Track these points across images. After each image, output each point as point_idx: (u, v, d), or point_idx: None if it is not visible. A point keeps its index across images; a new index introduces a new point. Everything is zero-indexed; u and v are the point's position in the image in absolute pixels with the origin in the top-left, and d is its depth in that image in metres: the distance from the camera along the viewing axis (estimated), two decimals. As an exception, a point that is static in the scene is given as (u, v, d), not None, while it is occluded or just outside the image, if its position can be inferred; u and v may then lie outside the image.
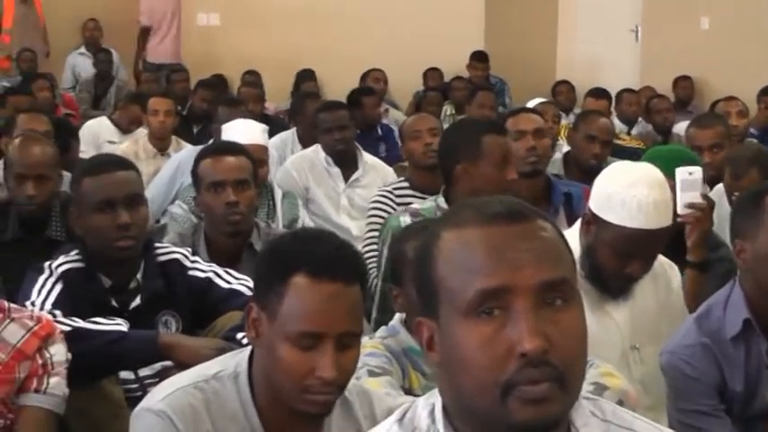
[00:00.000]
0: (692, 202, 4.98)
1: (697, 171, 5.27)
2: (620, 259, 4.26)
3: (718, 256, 5.28)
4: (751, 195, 4.12)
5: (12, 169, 5.89)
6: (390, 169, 8.14)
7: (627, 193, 4.19)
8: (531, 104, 8.95)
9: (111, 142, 10.25)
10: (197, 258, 4.81)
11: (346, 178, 8.02)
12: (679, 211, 4.89)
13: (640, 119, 12.65)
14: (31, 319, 3.96)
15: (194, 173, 5.55)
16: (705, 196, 5.21)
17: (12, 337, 3.86)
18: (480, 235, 2.04)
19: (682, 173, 5.23)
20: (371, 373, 3.74)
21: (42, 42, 16.41)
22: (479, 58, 14.84)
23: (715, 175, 6.51)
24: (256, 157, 5.88)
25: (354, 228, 7.54)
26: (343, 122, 8.15)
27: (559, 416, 2.05)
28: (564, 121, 10.54)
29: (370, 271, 5.52)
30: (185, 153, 7.87)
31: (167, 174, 7.22)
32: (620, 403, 3.58)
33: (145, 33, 16.19)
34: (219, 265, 4.88)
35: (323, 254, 3.01)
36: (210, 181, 5.37)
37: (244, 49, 15.73)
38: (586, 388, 3.63)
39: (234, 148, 5.68)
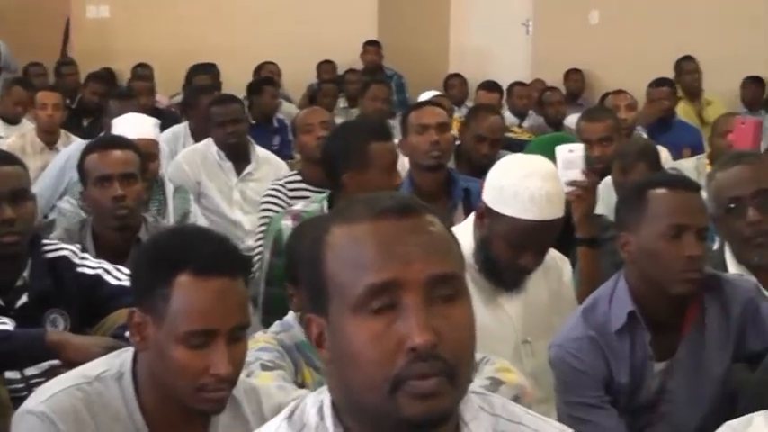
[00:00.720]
0: (573, 180, 5.05)
1: (578, 149, 5.41)
2: (513, 251, 4.29)
3: (608, 236, 5.30)
4: (634, 188, 4.17)
5: None
6: (283, 163, 8.15)
7: (520, 185, 4.22)
8: (423, 97, 9.02)
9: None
10: (86, 255, 4.76)
11: (239, 172, 7.99)
12: None
13: (531, 111, 12.79)
14: None
15: (80, 167, 5.47)
16: (586, 173, 5.26)
17: None
18: (370, 230, 2.05)
19: (562, 150, 5.36)
20: (264, 367, 3.72)
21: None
22: (372, 43, 14.94)
23: (605, 168, 6.55)
24: (146, 152, 5.89)
25: (247, 222, 7.53)
26: (236, 116, 8.14)
27: (449, 410, 2.05)
28: (456, 114, 10.54)
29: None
30: (74, 147, 7.78)
31: (56, 168, 7.18)
32: (516, 398, 3.65)
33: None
34: (107, 260, 4.83)
35: (205, 250, 2.99)
36: (97, 175, 5.31)
37: (135, 42, 15.65)
38: (482, 383, 3.72)
39: (121, 142, 5.63)
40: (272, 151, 8.41)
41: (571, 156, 5.33)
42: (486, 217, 4.35)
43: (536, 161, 4.62)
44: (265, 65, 14.29)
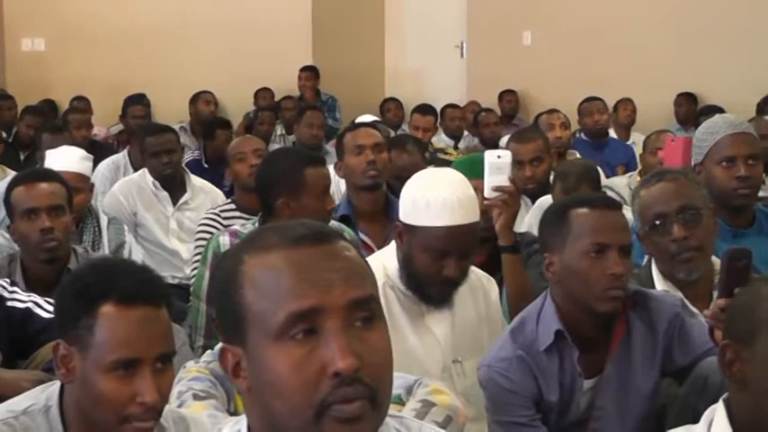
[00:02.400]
0: (499, 186, 5.02)
1: (506, 155, 5.36)
2: (434, 261, 4.34)
3: (535, 249, 5.19)
4: (556, 209, 4.20)
5: None
6: (219, 192, 8.11)
7: (430, 194, 4.31)
8: (361, 120, 9.03)
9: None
10: (15, 288, 4.74)
11: (175, 201, 7.98)
12: (486, 194, 4.98)
13: (466, 133, 12.80)
14: None
15: (7, 201, 5.51)
16: (512, 180, 5.24)
17: None
18: (287, 258, 2.05)
19: (490, 156, 5.32)
20: (196, 397, 3.71)
21: None
22: (308, 69, 14.90)
23: (537, 188, 6.58)
24: (72, 185, 5.86)
25: (184, 251, 7.51)
26: (171, 146, 8.13)
27: None
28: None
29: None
30: (6, 183, 7.73)
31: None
32: (449, 418, 3.66)
33: None
34: (37, 292, 4.82)
35: (128, 280, 3.01)
36: (24, 208, 5.34)
37: (71, 74, 15.63)
38: (414, 405, 3.73)
39: (47, 175, 5.67)
40: (225, 192, 8.34)
41: (499, 161, 5.30)
42: (405, 233, 4.41)
43: (444, 171, 4.77)
44: (201, 94, 14.27)
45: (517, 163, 6.43)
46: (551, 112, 9.67)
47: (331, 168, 6.46)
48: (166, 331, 3.03)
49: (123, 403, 2.93)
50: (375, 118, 9.96)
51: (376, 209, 6.15)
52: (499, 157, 5.32)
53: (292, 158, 5.70)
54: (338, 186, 7.00)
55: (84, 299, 2.97)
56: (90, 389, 2.96)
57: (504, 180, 5.13)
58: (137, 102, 14.16)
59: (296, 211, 5.28)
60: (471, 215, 4.37)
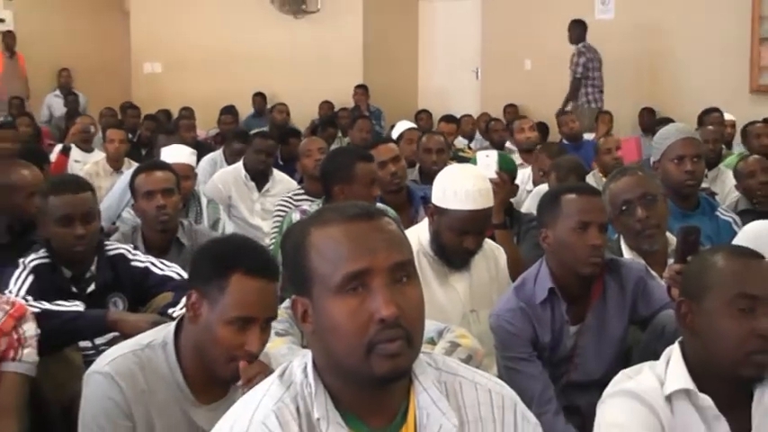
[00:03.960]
0: (489, 178, 4.97)
1: (492, 154, 5.78)
2: (458, 236, 4.46)
3: (533, 225, 5.41)
4: (551, 194, 4.19)
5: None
6: (293, 182, 8.12)
7: (456, 185, 4.44)
8: (399, 126, 9.03)
9: (77, 162, 10.14)
10: (137, 252, 4.81)
11: (259, 189, 8.00)
12: None
13: (479, 135, 12.80)
14: (7, 303, 3.90)
15: (131, 185, 5.55)
16: (499, 173, 5.51)
17: None
18: (343, 230, 2.07)
19: (480, 156, 5.81)
20: (278, 334, 3.72)
21: (24, 88, 16.38)
22: (360, 87, 14.88)
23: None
24: (181, 174, 5.94)
25: (265, 226, 7.51)
26: (271, 150, 8.23)
27: (408, 367, 2.08)
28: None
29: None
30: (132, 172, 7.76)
31: (120, 187, 7.12)
32: (470, 357, 3.68)
33: None
34: (153, 255, 4.89)
35: (255, 257, 3.04)
36: (144, 190, 5.40)
37: (181, 90, 15.69)
38: (443, 345, 3.79)
39: (161, 165, 5.74)
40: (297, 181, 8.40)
41: (487, 160, 5.64)
42: (435, 214, 4.52)
43: (468, 167, 5.00)
44: (277, 105, 14.30)
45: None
46: (522, 118, 9.87)
47: None
48: (275, 301, 3.06)
49: (234, 348, 2.96)
50: (411, 125, 9.90)
51: (402, 202, 6.22)
52: (487, 156, 5.72)
53: (346, 156, 5.71)
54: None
55: (219, 264, 2.99)
56: (210, 333, 2.98)
57: (491, 173, 5.31)
58: (228, 112, 14.24)
59: (348, 196, 5.30)
60: (487, 202, 4.48)
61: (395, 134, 8.94)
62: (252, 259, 3.01)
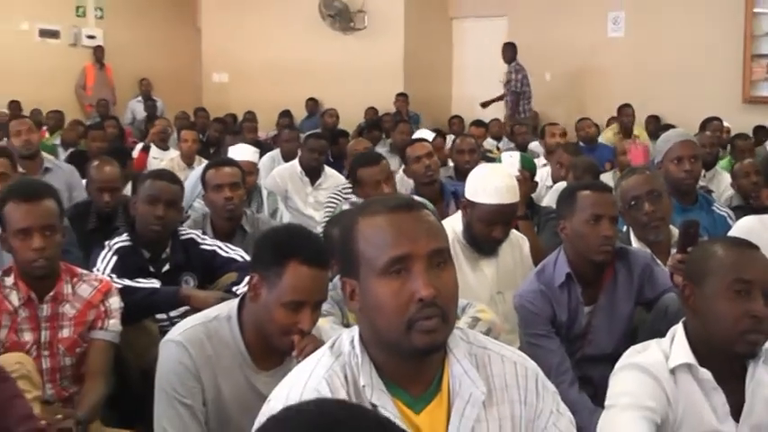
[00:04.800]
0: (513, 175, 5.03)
1: (515, 155, 5.86)
2: (487, 227, 4.47)
3: (551, 217, 5.45)
4: (569, 190, 4.18)
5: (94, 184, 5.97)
6: (342, 177, 8.10)
7: (487, 182, 4.46)
8: (417, 134, 9.00)
9: (155, 158, 10.19)
10: (206, 237, 4.88)
11: (313, 183, 7.99)
12: None
13: (505, 138, 12.75)
14: (95, 280, 3.96)
15: (203, 179, 5.57)
16: (521, 171, 5.53)
17: (84, 293, 3.86)
18: (388, 220, 2.06)
19: (505, 156, 5.93)
20: (322, 314, 3.72)
21: (111, 95, 16.58)
22: (401, 95, 14.82)
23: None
24: (246, 170, 5.97)
25: (317, 216, 7.47)
26: (324, 150, 8.23)
27: (444, 341, 2.08)
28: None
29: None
30: (203, 167, 7.80)
31: (192, 180, 7.16)
32: (489, 330, 3.67)
33: None
34: (220, 240, 4.93)
35: (310, 247, 3.01)
36: (214, 184, 5.41)
37: (244, 97, 15.75)
38: (466, 320, 3.81)
39: (229, 162, 5.77)
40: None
41: (510, 160, 5.72)
42: (468, 207, 4.53)
43: (497, 167, 5.11)
44: (328, 110, 14.30)
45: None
46: (552, 124, 9.81)
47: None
48: (325, 286, 3.05)
49: (289, 326, 2.95)
50: (431, 133, 9.82)
51: (434, 195, 6.13)
52: (511, 156, 5.82)
53: (354, 164, 6.08)
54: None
55: (278, 253, 2.97)
56: (268, 312, 2.97)
57: (514, 171, 5.30)
58: (285, 116, 14.29)
59: (362, 197, 5.60)
60: (513, 197, 4.50)
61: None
62: (307, 249, 2.99)
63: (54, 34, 16.98)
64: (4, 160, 5.73)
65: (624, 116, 12.27)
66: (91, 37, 17.23)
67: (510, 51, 13.96)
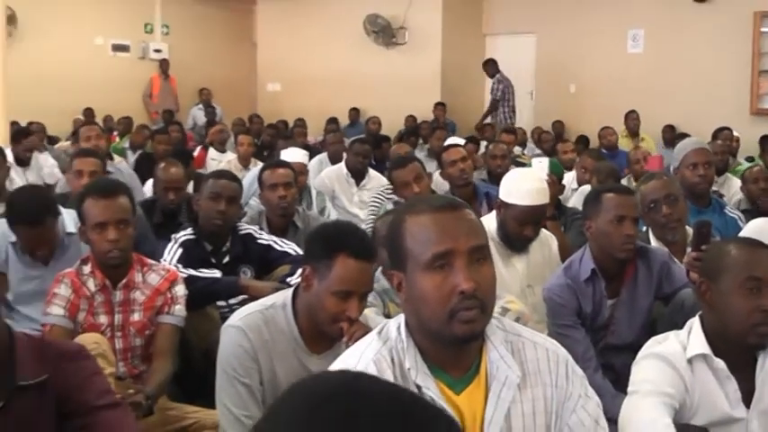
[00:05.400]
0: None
1: (544, 161, 5.97)
2: (520, 226, 4.44)
3: (577, 217, 5.47)
4: (594, 193, 4.16)
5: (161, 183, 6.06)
6: (385, 179, 8.10)
7: (519, 184, 4.45)
8: (449, 141, 8.97)
9: (213, 160, 10.25)
10: (262, 232, 4.90)
11: (357, 184, 7.99)
12: None
13: (532, 145, 12.73)
14: (163, 269, 3.99)
15: (259, 179, 5.59)
16: (549, 175, 5.50)
17: (153, 281, 3.89)
18: (432, 218, 2.05)
19: (535, 161, 6.03)
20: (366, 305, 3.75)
21: (175, 103, 16.67)
22: (439, 104, 14.77)
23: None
24: (297, 170, 5.99)
25: (361, 214, 7.47)
26: (367, 153, 8.23)
27: (482, 330, 2.08)
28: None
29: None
30: (259, 168, 7.81)
31: (248, 180, 7.19)
32: (518, 319, 3.66)
33: None
34: (274, 235, 4.93)
35: (357, 242, 3.02)
36: (269, 183, 5.42)
37: (295, 105, 15.76)
38: (496, 309, 3.69)
39: (283, 164, 5.77)
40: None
41: (540, 165, 5.80)
42: (502, 207, 4.50)
43: (529, 171, 5.08)
44: (371, 118, 14.31)
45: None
46: (564, 141, 10.13)
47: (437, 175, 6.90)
48: (372, 277, 3.05)
49: (337, 314, 2.96)
50: (462, 140, 9.78)
51: (469, 196, 6.11)
52: (540, 161, 5.90)
53: (389, 165, 6.43)
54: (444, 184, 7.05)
55: (328, 247, 2.98)
56: (319, 300, 2.98)
57: (543, 175, 5.22)
58: (332, 122, 14.31)
59: (398, 195, 5.82)
60: (543, 199, 4.48)
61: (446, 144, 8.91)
62: (355, 244, 2.99)
63: (125, 48, 17.14)
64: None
65: (630, 120, 12.72)
66: (157, 51, 17.37)
67: (491, 67, 14.29)
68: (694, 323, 2.89)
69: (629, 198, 3.99)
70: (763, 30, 13.06)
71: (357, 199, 7.91)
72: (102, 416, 2.48)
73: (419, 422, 1.07)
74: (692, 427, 2.71)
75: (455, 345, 2.07)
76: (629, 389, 2.81)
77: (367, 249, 3.03)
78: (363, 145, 8.27)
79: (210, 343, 4.06)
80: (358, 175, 8.02)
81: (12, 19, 13.63)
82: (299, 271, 3.22)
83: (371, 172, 8.16)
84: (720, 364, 2.81)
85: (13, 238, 4.40)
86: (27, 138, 9.04)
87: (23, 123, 11.31)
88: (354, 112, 15.53)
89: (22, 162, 8.53)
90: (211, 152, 10.64)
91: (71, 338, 3.48)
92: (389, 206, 5.73)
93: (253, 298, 3.86)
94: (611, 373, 3.84)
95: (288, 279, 4.30)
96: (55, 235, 4.40)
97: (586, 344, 3.85)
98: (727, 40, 13.14)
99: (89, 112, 14.95)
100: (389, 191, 6.43)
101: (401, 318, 2.16)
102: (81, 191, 3.98)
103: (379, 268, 3.84)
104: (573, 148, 9.65)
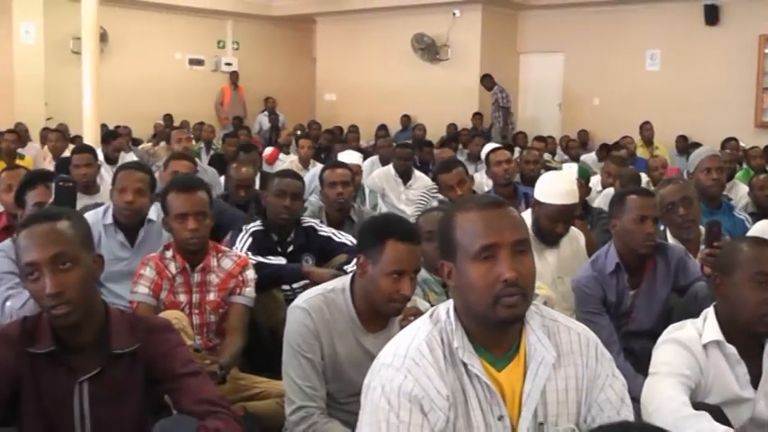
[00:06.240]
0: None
1: (573, 166, 6.06)
2: (552, 223, 4.43)
3: (602, 216, 5.46)
4: (619, 194, 4.14)
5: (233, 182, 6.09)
6: (429, 180, 8.09)
7: (552, 185, 4.45)
8: (487, 147, 8.91)
9: (278, 160, 10.31)
10: (322, 225, 4.88)
11: (404, 184, 7.98)
12: None
13: (559, 150, 12.65)
14: (235, 255, 4.00)
15: (321, 178, 5.59)
16: (578, 179, 5.50)
17: (226, 266, 3.90)
18: (479, 215, 2.06)
19: (566, 166, 6.18)
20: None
21: (243, 110, 16.75)
22: (477, 114, 14.68)
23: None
24: (354, 171, 5.97)
25: (408, 211, 7.44)
26: (408, 156, 8.21)
27: (523, 314, 2.08)
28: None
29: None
30: (318, 169, 7.82)
31: (308, 179, 7.21)
32: (545, 303, 3.62)
33: None
34: (333, 227, 4.95)
35: (402, 228, 3.03)
36: (329, 181, 5.43)
37: (349, 113, 15.79)
38: None
39: (341, 165, 5.76)
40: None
41: (570, 169, 5.84)
42: (536, 206, 4.50)
43: (561, 173, 5.13)
44: (417, 125, 14.28)
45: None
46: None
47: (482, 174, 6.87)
48: (419, 257, 3.04)
49: (391, 293, 2.95)
50: (497, 145, 9.77)
51: (509, 195, 6.12)
52: (570, 167, 5.94)
53: (435, 168, 6.32)
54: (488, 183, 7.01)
55: (378, 234, 2.99)
56: (374, 284, 2.98)
57: (572, 179, 5.22)
58: (382, 128, 14.29)
59: (443, 195, 5.75)
60: (573, 199, 4.48)
61: (484, 151, 8.81)
62: (400, 229, 3.00)
63: (200, 62, 17.32)
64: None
65: (644, 130, 12.69)
66: (228, 64, 17.50)
67: (488, 81, 14.43)
68: (709, 312, 2.87)
69: (650, 200, 3.97)
70: (767, 51, 13.06)
71: (404, 197, 7.89)
72: (186, 381, 2.52)
73: None
74: (707, 405, 2.69)
75: (498, 327, 2.06)
76: (651, 370, 2.79)
77: (412, 233, 3.04)
78: (405, 149, 8.30)
79: (276, 322, 4.10)
80: (404, 175, 8.02)
81: (104, 37, 13.83)
82: (355, 260, 3.21)
83: (417, 173, 8.15)
84: (732, 349, 2.80)
85: (108, 220, 4.45)
86: (115, 139, 9.15)
87: (111, 126, 11.45)
88: (406, 119, 15.48)
89: (111, 161, 8.61)
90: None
91: (155, 315, 3.51)
92: (434, 204, 5.71)
93: (314, 283, 3.85)
94: (632, 357, 3.79)
95: (345, 267, 4.30)
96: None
97: (610, 329, 3.82)
98: (735, 60, 13.15)
99: (168, 118, 15.11)
100: (434, 190, 6.42)
101: (450, 303, 2.15)
102: (165, 185, 4.02)
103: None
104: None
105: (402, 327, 2.67)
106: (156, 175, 5.07)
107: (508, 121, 14.26)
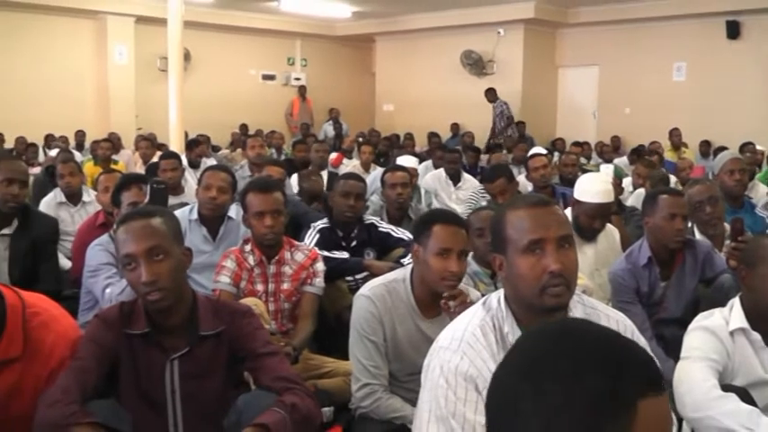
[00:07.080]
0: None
1: (610, 168, 6.10)
2: (590, 219, 4.36)
3: (634, 214, 5.46)
4: (651, 194, 4.09)
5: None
6: (477, 181, 8.06)
7: (590, 185, 4.39)
8: (532, 150, 8.87)
9: (342, 164, 10.33)
10: (382, 222, 4.86)
11: (455, 185, 7.97)
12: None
13: (594, 154, 12.51)
14: (306, 249, 4.01)
15: (382, 180, 5.57)
16: (614, 180, 5.49)
17: (299, 258, 3.91)
18: (528, 212, 2.04)
19: (603, 168, 6.26)
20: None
21: (311, 120, 16.80)
22: (520, 122, 14.52)
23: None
24: (411, 173, 5.97)
25: (458, 209, 7.42)
26: (455, 160, 8.19)
27: (567, 303, 2.06)
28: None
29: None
30: (378, 172, 7.84)
31: (370, 181, 7.22)
32: (584, 291, 3.57)
33: None
34: (393, 224, 4.93)
35: (446, 214, 3.05)
36: (389, 183, 5.41)
37: (405, 122, 15.77)
38: None
39: (400, 168, 5.74)
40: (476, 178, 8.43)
41: (606, 170, 5.90)
42: (575, 204, 4.42)
43: (598, 175, 4.94)
44: (466, 132, 14.15)
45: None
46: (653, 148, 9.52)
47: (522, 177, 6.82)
48: (464, 238, 3.00)
49: (441, 271, 2.92)
50: (543, 150, 9.68)
51: (549, 196, 5.99)
52: (607, 168, 6.00)
53: (483, 176, 6.14)
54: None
55: (425, 222, 2.99)
56: (426, 265, 2.96)
57: (609, 179, 5.14)
58: (434, 136, 14.21)
59: (501, 200, 5.54)
60: (609, 198, 4.40)
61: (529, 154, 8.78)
62: (444, 215, 3.02)
63: (272, 77, 17.42)
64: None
65: (674, 136, 12.54)
66: (297, 79, 17.59)
67: (491, 94, 14.43)
68: (735, 302, 2.82)
69: (680, 199, 3.91)
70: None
71: (454, 197, 7.87)
72: (265, 360, 2.55)
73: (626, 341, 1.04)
74: (734, 387, 2.64)
75: (545, 314, 2.04)
76: (682, 355, 2.75)
77: (454, 217, 3.04)
78: (451, 154, 8.31)
79: (340, 309, 4.13)
80: (454, 178, 8.00)
81: (187, 56, 14.05)
82: (410, 253, 3.21)
83: (465, 175, 8.13)
84: (757, 336, 2.74)
85: (194, 216, 4.50)
86: (198, 146, 9.24)
87: (193, 135, 11.59)
88: (455, 126, 15.38)
89: (194, 165, 8.71)
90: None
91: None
92: (483, 203, 5.69)
93: (374, 275, 3.86)
94: (663, 342, 3.76)
95: (402, 260, 4.30)
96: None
97: (643, 317, 3.78)
98: (755, 71, 13.04)
99: (243, 127, 15.24)
100: (483, 191, 6.40)
101: (501, 292, 2.14)
102: (245, 186, 4.05)
103: (470, 254, 3.84)
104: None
105: (451, 315, 2.67)
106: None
107: (509, 131, 14.12)
